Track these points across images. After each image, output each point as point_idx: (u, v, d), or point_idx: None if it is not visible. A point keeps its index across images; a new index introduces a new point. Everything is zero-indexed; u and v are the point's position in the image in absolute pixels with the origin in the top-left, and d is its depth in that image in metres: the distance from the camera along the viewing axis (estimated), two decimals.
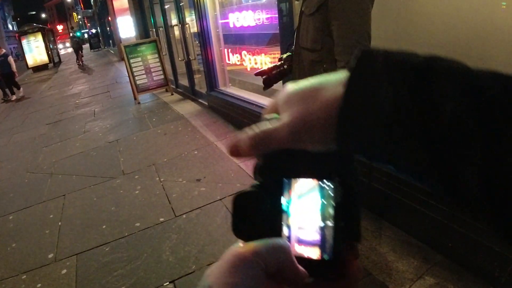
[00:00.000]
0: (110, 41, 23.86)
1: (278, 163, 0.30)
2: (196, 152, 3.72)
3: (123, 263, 2.20)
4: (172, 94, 6.57)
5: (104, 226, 2.64)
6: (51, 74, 15.38)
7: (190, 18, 5.73)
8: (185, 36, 5.66)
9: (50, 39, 19.88)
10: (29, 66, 17.80)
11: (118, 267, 2.17)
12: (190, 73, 6.11)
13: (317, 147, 0.27)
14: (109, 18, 18.04)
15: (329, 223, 0.28)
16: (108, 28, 23.46)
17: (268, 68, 1.59)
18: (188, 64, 6.01)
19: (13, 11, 48.99)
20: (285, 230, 0.30)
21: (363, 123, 0.24)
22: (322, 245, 0.28)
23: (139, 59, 6.22)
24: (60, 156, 4.48)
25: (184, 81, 6.60)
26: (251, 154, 0.29)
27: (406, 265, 1.78)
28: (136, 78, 6.27)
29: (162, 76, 6.48)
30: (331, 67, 1.41)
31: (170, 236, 2.37)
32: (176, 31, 6.13)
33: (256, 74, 1.60)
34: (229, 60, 4.55)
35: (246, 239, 0.28)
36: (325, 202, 0.28)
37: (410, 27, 1.97)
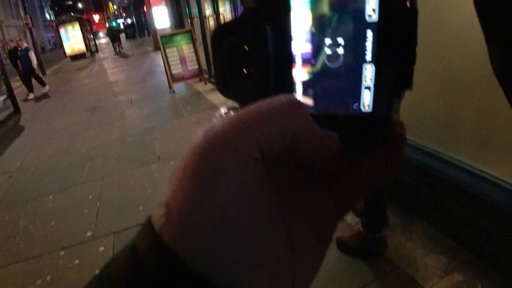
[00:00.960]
0: (145, 31, 24.41)
1: None
2: None
3: None
4: (205, 84, 6.69)
5: (140, 208, 2.79)
6: (89, 63, 15.96)
7: (224, 9, 5.81)
8: None
9: (87, 28, 20.58)
10: (67, 55, 18.52)
11: None
12: None
13: None
14: (145, 8, 18.48)
15: (368, 57, 0.20)
16: (143, 18, 24.00)
17: None
18: None
19: (50, 1, 50.99)
20: (298, 78, 0.22)
21: None
22: (355, 92, 0.20)
23: (175, 49, 6.36)
24: (98, 141, 4.71)
25: None
26: None
27: (435, 261, 1.79)
28: (172, 67, 6.43)
29: (196, 66, 6.61)
30: None
31: None
32: (211, 21, 6.23)
33: None
34: None
35: (239, 97, 0.22)
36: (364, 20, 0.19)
37: None
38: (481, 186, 1.78)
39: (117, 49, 18.38)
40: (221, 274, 0.15)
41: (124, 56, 16.38)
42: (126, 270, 0.16)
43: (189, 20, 8.09)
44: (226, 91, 0.23)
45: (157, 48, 14.60)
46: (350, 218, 2.18)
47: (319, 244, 0.21)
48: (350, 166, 0.22)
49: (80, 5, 65.61)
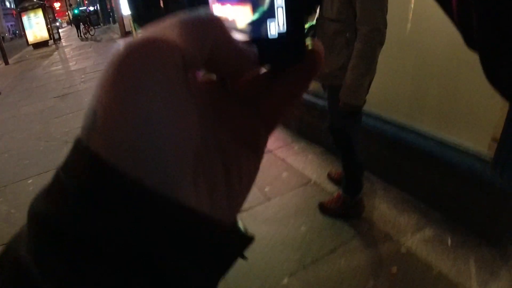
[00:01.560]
0: (110, 18, 23.60)
1: None
2: None
3: None
4: None
5: None
6: (52, 51, 15.28)
7: None
8: None
9: (49, 16, 19.65)
10: (29, 43, 17.62)
11: None
12: None
13: None
14: None
15: None
16: (108, 6, 23.16)
17: None
18: None
19: None
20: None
21: None
22: (270, 13, 0.21)
23: None
24: (72, 126, 4.62)
25: None
26: None
27: (407, 220, 1.99)
28: None
29: None
30: (353, 36, 1.58)
31: None
32: None
33: None
34: None
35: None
36: None
37: None
38: (445, 153, 1.99)
39: (84, 35, 17.70)
40: (154, 178, 0.15)
41: (89, 43, 15.82)
42: (57, 192, 0.16)
43: None
44: (139, 21, 0.24)
45: (124, 35, 14.28)
46: (330, 187, 2.35)
47: (252, 158, 0.22)
48: (270, 82, 0.23)
49: None
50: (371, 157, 2.34)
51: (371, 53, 1.55)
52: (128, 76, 0.15)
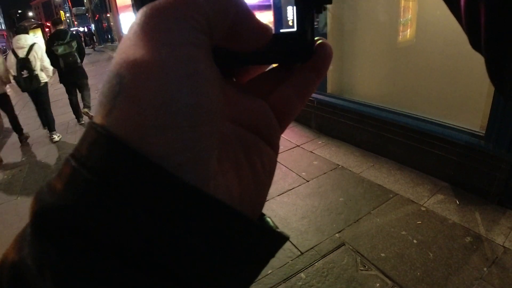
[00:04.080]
0: (108, 37, 24.19)
1: None
2: None
3: None
4: None
5: None
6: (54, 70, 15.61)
7: None
8: None
9: (47, 35, 20.09)
10: None
11: None
12: None
13: None
14: (107, 14, 18.44)
15: None
16: (105, 25, 23.76)
17: None
18: None
19: (1, 10, 48.33)
20: None
21: None
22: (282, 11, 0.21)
23: None
24: None
25: None
26: None
27: (422, 188, 2.51)
28: None
29: None
30: None
31: None
32: None
33: None
34: None
35: None
36: None
37: None
38: (446, 133, 2.52)
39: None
40: (183, 159, 0.14)
41: (90, 61, 16.24)
42: (70, 183, 0.14)
43: None
44: None
45: None
46: (356, 169, 2.86)
47: (268, 151, 0.22)
48: (278, 81, 0.24)
49: (30, 13, 62.62)
50: (387, 144, 2.87)
51: None
52: (155, 39, 0.15)
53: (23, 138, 4.96)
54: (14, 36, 4.45)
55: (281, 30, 0.22)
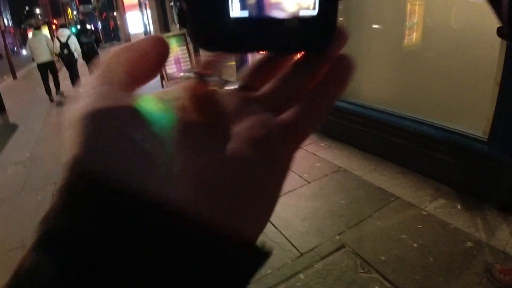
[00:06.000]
0: (113, 35, 24.35)
1: None
2: None
3: None
4: None
5: None
6: (61, 66, 15.73)
7: None
8: None
9: (53, 33, 20.26)
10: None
11: None
12: None
13: None
14: (114, 13, 18.55)
15: None
16: (110, 24, 23.92)
17: None
18: None
19: (8, 7, 48.75)
20: None
21: None
22: None
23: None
24: None
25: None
26: None
27: (424, 193, 2.50)
28: (167, 67, 6.91)
29: (189, 66, 7.12)
30: None
31: None
32: None
33: None
34: None
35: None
36: None
37: None
38: (450, 137, 2.51)
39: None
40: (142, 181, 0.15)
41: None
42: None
43: (177, 24, 8.60)
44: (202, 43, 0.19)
45: None
46: (358, 172, 2.86)
47: (275, 171, 0.20)
48: (297, 88, 0.22)
49: (38, 11, 63.11)
50: (390, 148, 2.87)
51: None
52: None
53: (58, 93, 7.62)
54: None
55: (300, 14, 0.20)
